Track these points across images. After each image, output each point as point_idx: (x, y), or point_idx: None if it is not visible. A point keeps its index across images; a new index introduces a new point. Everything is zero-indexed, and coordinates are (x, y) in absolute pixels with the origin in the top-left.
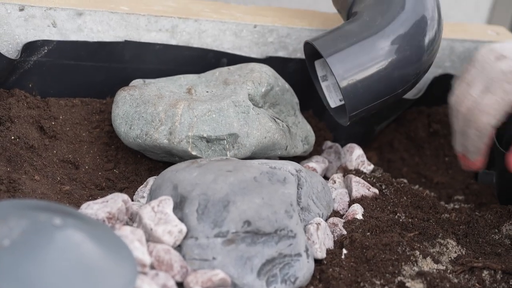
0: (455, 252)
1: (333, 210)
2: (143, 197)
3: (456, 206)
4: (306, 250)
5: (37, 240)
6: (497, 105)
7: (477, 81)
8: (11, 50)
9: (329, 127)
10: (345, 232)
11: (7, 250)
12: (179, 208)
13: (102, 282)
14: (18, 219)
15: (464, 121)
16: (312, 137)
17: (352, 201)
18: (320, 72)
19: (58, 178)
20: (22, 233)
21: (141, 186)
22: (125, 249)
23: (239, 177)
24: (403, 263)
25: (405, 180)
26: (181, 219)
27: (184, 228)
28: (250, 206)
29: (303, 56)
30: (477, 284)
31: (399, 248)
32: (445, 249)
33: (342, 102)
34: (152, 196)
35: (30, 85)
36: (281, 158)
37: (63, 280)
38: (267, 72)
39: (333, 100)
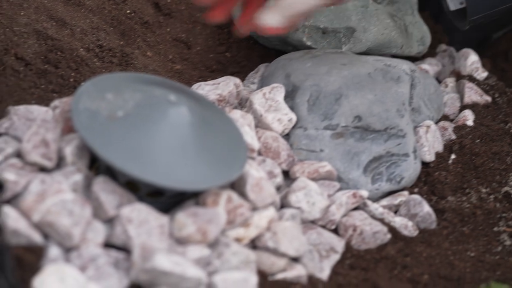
0: None
1: (443, 114)
2: (253, 83)
3: None
4: (414, 151)
5: (151, 114)
6: None
7: None
8: None
9: (445, 30)
10: (454, 137)
11: (120, 121)
12: (290, 97)
13: (212, 162)
14: (133, 92)
15: None
16: (428, 38)
17: (463, 107)
18: None
19: (170, 57)
20: (136, 106)
21: (252, 72)
22: (237, 132)
23: (353, 71)
24: (511, 174)
25: None
26: (292, 108)
27: (294, 117)
28: (362, 101)
29: None
30: None
31: (508, 158)
32: None
33: (463, 5)
34: (263, 83)
35: None
36: (395, 57)
37: (173, 156)
38: None
39: (453, 2)
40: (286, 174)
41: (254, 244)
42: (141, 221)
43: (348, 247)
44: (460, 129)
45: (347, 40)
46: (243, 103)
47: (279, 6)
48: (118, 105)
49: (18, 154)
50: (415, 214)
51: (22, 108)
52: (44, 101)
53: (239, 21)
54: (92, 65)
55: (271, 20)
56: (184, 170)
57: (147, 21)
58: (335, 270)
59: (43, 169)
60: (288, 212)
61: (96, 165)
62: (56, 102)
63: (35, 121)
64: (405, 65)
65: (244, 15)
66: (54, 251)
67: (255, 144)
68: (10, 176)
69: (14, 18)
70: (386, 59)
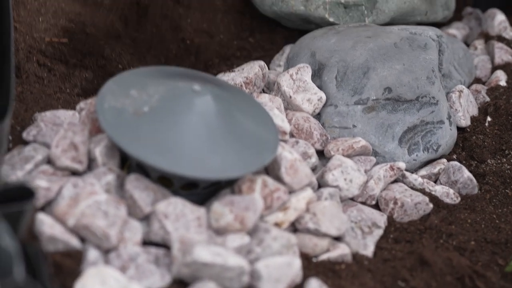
0: None
1: (475, 77)
2: (279, 65)
3: None
4: (449, 117)
5: (176, 106)
6: None
7: None
8: None
9: None
10: (488, 99)
11: (147, 116)
12: (317, 75)
13: (244, 148)
14: (156, 86)
15: None
16: (452, 2)
17: (494, 68)
18: None
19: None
20: (161, 99)
21: (277, 55)
22: (266, 116)
23: (378, 43)
24: None
25: None
26: (320, 87)
27: (323, 96)
28: (390, 72)
29: None
30: None
31: None
32: None
33: None
34: (289, 64)
35: None
36: (420, 24)
37: (203, 146)
38: None
39: None
40: (321, 153)
41: (294, 227)
42: (178, 215)
43: (390, 220)
44: (493, 90)
45: (369, 12)
46: (270, 87)
47: None
48: (143, 101)
49: (49, 160)
50: (455, 181)
51: (48, 114)
52: (71, 105)
53: None
54: (116, 64)
55: None
56: (215, 159)
57: (166, 14)
58: (379, 245)
59: (74, 173)
60: (326, 191)
61: (127, 164)
62: (81, 104)
63: (62, 126)
64: (431, 32)
65: None
66: (92, 254)
67: (286, 126)
68: (42, 183)
69: (33, 25)
70: (411, 27)
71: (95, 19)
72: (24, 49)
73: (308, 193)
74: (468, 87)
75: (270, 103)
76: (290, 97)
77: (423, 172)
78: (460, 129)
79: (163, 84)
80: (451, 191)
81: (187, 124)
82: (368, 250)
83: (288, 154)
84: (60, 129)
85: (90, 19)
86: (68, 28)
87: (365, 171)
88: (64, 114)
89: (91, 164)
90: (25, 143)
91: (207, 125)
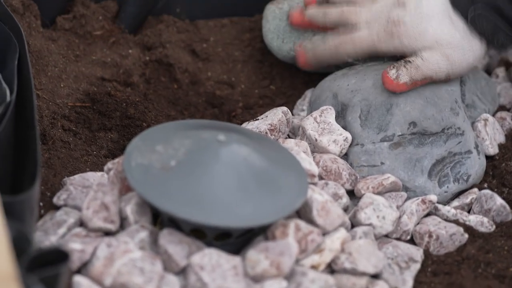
0: None
1: (499, 104)
2: (302, 110)
3: None
4: (476, 147)
5: (203, 158)
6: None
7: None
8: None
9: None
10: None
11: (175, 170)
12: (341, 116)
13: (274, 194)
14: (181, 139)
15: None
16: None
17: None
18: None
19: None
20: (187, 152)
21: (300, 100)
22: (293, 160)
23: None
24: None
25: None
26: (345, 127)
27: (349, 136)
28: (414, 107)
29: None
30: None
31: None
32: None
33: None
34: (312, 107)
35: (178, 10)
36: None
37: (233, 195)
38: None
39: None
40: (351, 193)
41: (331, 268)
42: (214, 266)
43: (427, 254)
44: None
45: None
46: (295, 132)
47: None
48: (170, 155)
49: (81, 223)
50: (489, 209)
51: (77, 177)
52: (98, 167)
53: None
54: (140, 123)
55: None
56: (246, 207)
57: (186, 69)
58: (418, 280)
59: (107, 233)
60: (359, 230)
61: (159, 219)
62: (109, 165)
63: (91, 187)
64: None
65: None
66: None
67: (314, 169)
68: (76, 246)
69: (55, 91)
70: None
71: (116, 80)
72: (48, 116)
73: (342, 233)
74: (493, 115)
75: (296, 148)
76: (316, 140)
77: (455, 203)
78: (488, 158)
79: (188, 137)
80: (485, 219)
81: (215, 174)
82: (407, 285)
83: (318, 196)
84: (89, 191)
85: (112, 81)
86: (90, 91)
87: (397, 207)
88: (92, 176)
89: (123, 222)
90: (56, 208)
91: (235, 174)
